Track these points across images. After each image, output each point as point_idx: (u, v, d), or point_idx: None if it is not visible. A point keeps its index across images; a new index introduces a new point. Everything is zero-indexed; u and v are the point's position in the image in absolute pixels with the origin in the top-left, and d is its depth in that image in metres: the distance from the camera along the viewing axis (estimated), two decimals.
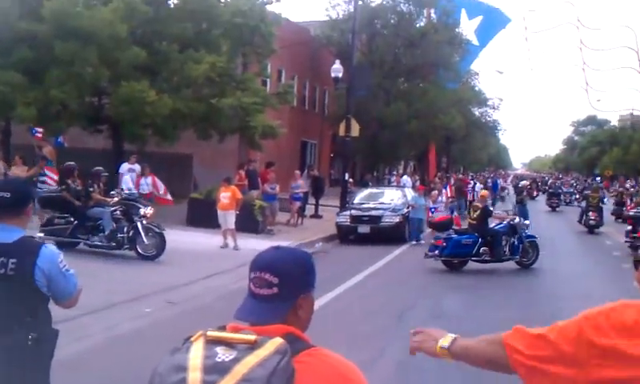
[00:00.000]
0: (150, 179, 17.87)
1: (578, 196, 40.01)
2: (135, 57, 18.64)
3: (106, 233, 12.76)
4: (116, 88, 19.07)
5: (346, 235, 18.81)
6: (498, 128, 60.71)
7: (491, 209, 15.98)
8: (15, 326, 3.26)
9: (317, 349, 1.74)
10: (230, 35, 20.77)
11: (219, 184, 16.07)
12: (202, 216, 17.69)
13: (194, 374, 1.55)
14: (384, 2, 37.34)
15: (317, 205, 24.15)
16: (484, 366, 2.08)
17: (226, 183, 15.69)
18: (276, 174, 20.74)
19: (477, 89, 53.92)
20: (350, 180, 27.12)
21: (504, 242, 14.07)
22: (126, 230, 12.82)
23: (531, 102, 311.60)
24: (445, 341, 2.14)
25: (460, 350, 2.11)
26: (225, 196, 15.25)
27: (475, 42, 45.00)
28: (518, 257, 14.17)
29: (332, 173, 40.31)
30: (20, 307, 3.29)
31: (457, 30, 39.87)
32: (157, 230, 12.98)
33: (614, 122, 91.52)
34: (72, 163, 13.89)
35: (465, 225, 15.74)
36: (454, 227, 14.86)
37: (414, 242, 18.53)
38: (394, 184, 30.48)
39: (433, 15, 39.12)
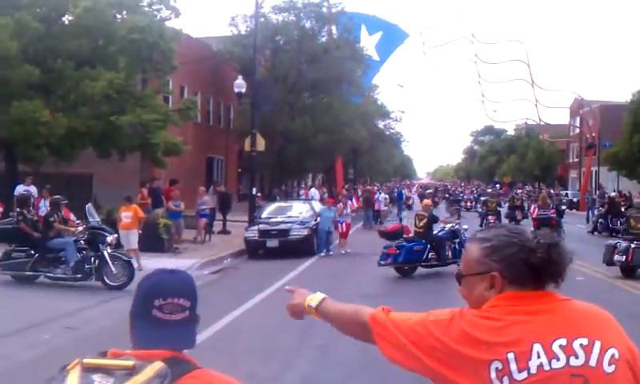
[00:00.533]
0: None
1: (476, 203, 41.93)
2: (27, 75, 17.92)
3: (71, 264, 12.12)
4: (7, 108, 18.19)
5: (254, 250, 18.66)
6: (402, 139, 62.35)
7: (437, 216, 16.50)
8: None
9: (202, 370, 1.70)
10: (128, 52, 20.23)
11: (120, 203, 15.58)
12: None
13: None
14: (286, 18, 37.58)
15: (224, 221, 23.85)
16: (346, 332, 2.22)
17: (127, 202, 15.24)
18: (181, 191, 20.36)
19: (379, 102, 55.19)
20: (258, 194, 27.01)
21: (447, 247, 14.71)
22: (92, 260, 12.20)
23: (432, 114, 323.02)
24: (312, 300, 2.28)
25: (326, 311, 2.25)
26: (126, 215, 14.81)
27: (376, 57, 46.20)
28: (459, 260, 14.37)
29: (240, 188, 40.02)
30: None
31: (358, 45, 40.69)
32: (124, 258, 12.55)
33: (511, 131, 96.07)
34: (26, 192, 13.13)
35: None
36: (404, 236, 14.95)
37: (322, 254, 18.62)
38: (303, 197, 30.62)
39: (334, 31, 39.76)
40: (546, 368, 1.73)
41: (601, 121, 50.92)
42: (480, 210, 33.37)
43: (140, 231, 14.99)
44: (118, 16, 21.24)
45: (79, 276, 12.15)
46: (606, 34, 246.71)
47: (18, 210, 13.05)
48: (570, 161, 65.82)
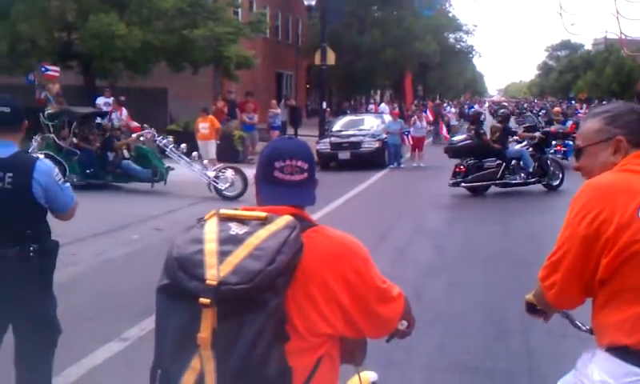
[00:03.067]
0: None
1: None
2: None
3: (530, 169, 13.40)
4: (84, 22, 18.57)
5: (326, 162, 18.80)
6: (473, 53, 60.35)
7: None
8: (16, 239, 3.26)
9: (322, 226, 1.83)
10: None
11: (197, 115, 15.90)
12: None
13: (210, 245, 1.64)
14: None
15: (295, 135, 24.02)
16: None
17: (203, 113, 15.53)
18: (254, 105, 20.58)
19: (451, 15, 53.38)
20: (328, 109, 26.99)
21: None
22: None
23: (505, 28, 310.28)
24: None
25: None
26: (204, 126, 15.12)
27: None
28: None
29: (309, 104, 40.05)
30: (19, 220, 3.29)
31: None
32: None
33: (589, 46, 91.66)
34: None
35: None
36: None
37: (392, 166, 18.66)
38: (373, 112, 30.42)
39: None
40: None
41: None
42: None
43: (218, 141, 15.29)
44: None
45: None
46: None
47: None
48: None
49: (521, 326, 5.17)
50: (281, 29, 37.01)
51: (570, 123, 21.03)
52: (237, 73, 22.17)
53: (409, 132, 19.98)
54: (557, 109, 28.82)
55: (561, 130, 18.26)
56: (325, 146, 19.05)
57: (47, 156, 5.33)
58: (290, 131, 23.66)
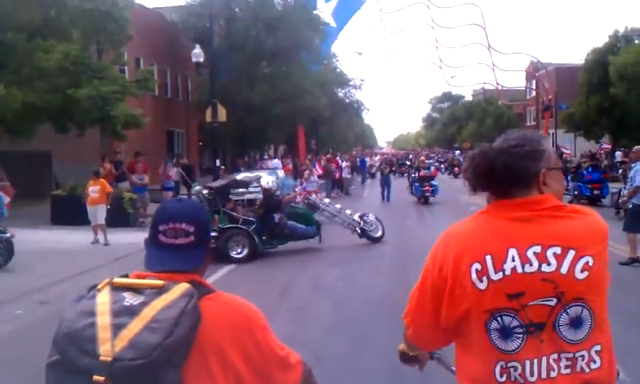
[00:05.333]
0: None
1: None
2: None
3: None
4: None
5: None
6: (362, 108, 62.13)
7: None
8: None
9: (219, 293, 1.79)
10: (81, 22, 19.66)
11: (87, 178, 15.15)
12: (67, 214, 16.72)
13: (103, 318, 1.58)
14: None
15: (189, 194, 23.46)
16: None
17: (94, 176, 14.83)
18: (143, 166, 19.93)
19: (338, 70, 54.86)
20: (222, 167, 26.66)
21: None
22: None
23: (391, 82, 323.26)
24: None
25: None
26: (94, 190, 14.41)
27: (333, 23, 45.83)
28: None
29: (202, 162, 39.52)
30: None
31: (315, 12, 40.26)
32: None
33: (469, 97, 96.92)
34: None
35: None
36: None
37: None
38: (266, 168, 30.35)
39: None
40: (519, 271, 1.89)
41: (557, 83, 51.58)
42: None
43: (108, 206, 14.64)
44: None
45: None
46: None
47: None
48: (528, 124, 66.75)
49: (421, 380, 5.04)
50: (170, 86, 36.56)
51: (433, 169, 27.62)
52: (125, 132, 21.50)
53: (306, 187, 20.01)
54: (422, 158, 32.84)
55: (427, 175, 24.78)
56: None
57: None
58: (184, 190, 23.10)
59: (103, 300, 1.62)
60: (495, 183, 2.01)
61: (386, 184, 26.25)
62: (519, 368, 1.90)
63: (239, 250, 12.58)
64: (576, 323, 1.90)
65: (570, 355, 1.90)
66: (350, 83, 55.99)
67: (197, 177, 28.61)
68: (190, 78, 36.92)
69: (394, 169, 41.66)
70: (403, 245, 13.88)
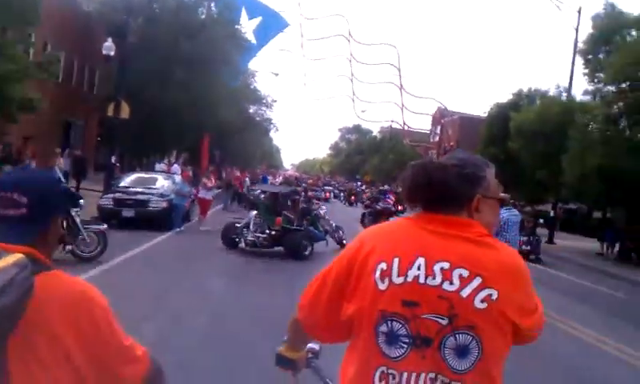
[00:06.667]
0: None
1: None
2: None
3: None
4: None
5: (108, 219, 17.83)
6: (271, 126, 62.35)
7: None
8: None
9: (57, 271, 1.67)
10: None
11: None
12: None
13: None
14: None
15: (78, 187, 22.73)
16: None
17: None
18: (34, 152, 19.19)
19: (252, 87, 54.93)
20: (117, 164, 25.98)
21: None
22: None
23: (304, 106, 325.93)
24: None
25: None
26: None
27: (254, 40, 45.90)
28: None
29: (98, 157, 38.31)
30: None
31: (237, 26, 40.22)
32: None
33: (376, 132, 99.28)
34: None
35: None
36: None
37: (177, 229, 18.21)
38: (165, 171, 29.87)
39: (213, 8, 39.07)
40: (421, 281, 1.88)
41: (460, 131, 53.88)
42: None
43: None
44: None
45: None
46: (472, 49, 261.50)
47: None
48: None
49: None
50: (75, 75, 35.34)
51: (324, 194, 29.67)
52: (20, 116, 20.58)
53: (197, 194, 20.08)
54: (310, 181, 34.50)
55: (317, 196, 25.24)
56: (107, 201, 18.17)
57: None
58: (73, 183, 22.35)
59: None
60: (428, 197, 1.99)
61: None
62: (397, 377, 1.87)
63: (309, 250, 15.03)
64: (462, 351, 1.84)
65: (447, 381, 1.84)
66: (263, 101, 56.13)
67: (90, 171, 27.77)
68: (99, 71, 35.88)
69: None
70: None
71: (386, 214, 23.17)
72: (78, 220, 11.47)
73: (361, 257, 1.96)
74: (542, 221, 28.94)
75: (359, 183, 67.78)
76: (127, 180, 20.74)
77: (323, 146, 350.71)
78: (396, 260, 1.90)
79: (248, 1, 46.16)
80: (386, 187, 44.14)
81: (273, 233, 15.16)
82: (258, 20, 46.58)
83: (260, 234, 15.17)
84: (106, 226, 12.40)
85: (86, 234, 11.53)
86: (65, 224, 11.14)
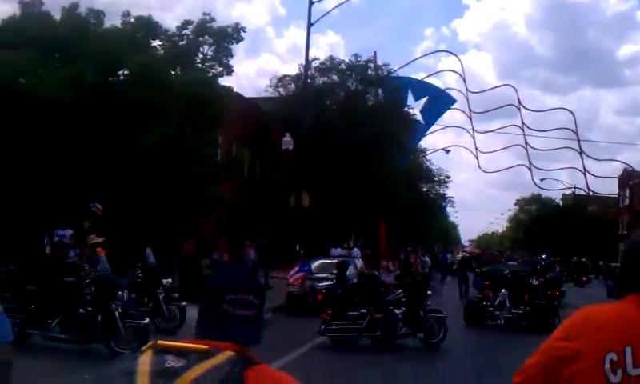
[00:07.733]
0: None
1: None
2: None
3: None
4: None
5: (297, 305, 18.39)
6: (446, 204, 61.72)
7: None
8: None
9: (263, 366, 1.73)
10: (180, 105, 20.70)
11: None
12: None
13: (143, 378, 1.57)
14: (331, 80, 38.12)
15: (266, 275, 23.70)
16: None
17: None
18: (224, 245, 20.44)
19: (424, 166, 55.04)
20: (301, 251, 26.88)
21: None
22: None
23: (479, 181, 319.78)
24: None
25: None
26: None
27: (422, 121, 46.33)
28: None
29: (282, 246, 39.92)
30: None
31: (405, 109, 40.93)
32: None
33: (558, 201, 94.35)
34: None
35: None
36: None
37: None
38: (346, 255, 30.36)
39: (380, 93, 40.16)
40: None
41: None
42: None
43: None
44: (172, 72, 21.82)
45: None
46: None
47: None
48: (620, 232, 64.10)
49: None
50: (258, 170, 37.70)
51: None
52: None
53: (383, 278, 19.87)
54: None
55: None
56: (297, 289, 18.73)
57: None
58: (261, 272, 23.36)
59: (144, 360, 1.61)
60: None
61: (463, 280, 26.48)
62: None
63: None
64: None
65: None
66: (435, 179, 55.91)
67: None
68: (278, 164, 38.00)
69: (473, 266, 40.87)
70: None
71: None
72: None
73: (584, 342, 1.80)
74: None
75: (543, 256, 64.25)
76: (313, 267, 21.30)
77: (501, 220, 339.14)
78: (628, 349, 1.74)
79: (414, 82, 46.97)
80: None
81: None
82: (424, 100, 47.07)
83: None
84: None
85: None
86: None
